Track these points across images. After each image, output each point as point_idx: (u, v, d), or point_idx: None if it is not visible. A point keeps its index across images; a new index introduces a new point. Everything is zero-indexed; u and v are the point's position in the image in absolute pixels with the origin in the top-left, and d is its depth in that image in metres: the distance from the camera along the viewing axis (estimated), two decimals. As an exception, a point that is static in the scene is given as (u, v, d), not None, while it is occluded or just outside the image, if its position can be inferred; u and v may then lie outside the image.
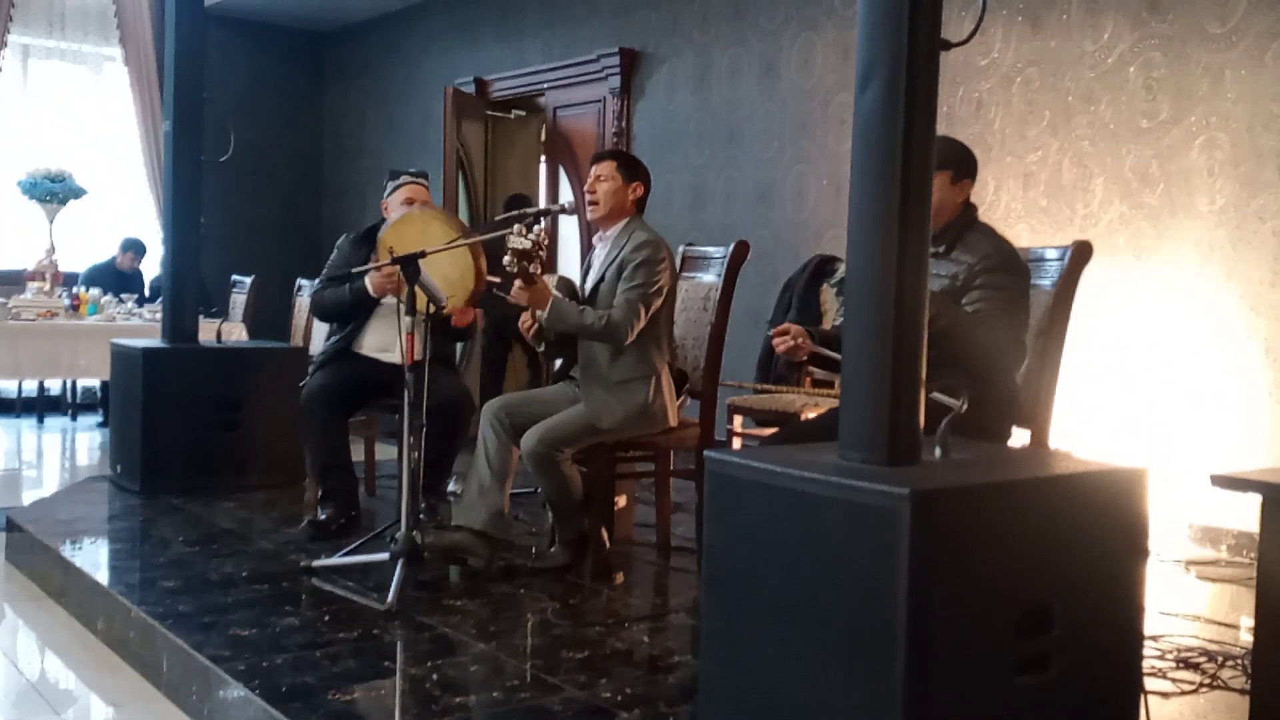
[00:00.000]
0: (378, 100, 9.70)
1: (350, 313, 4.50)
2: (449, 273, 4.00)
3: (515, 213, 4.05)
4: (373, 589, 3.53)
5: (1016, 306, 3.05)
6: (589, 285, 3.89)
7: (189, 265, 5.45)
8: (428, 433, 3.67)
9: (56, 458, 7.38)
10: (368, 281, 4.35)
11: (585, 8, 7.62)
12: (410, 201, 4.48)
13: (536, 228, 3.61)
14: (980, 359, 2.94)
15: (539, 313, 3.73)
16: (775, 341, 3.22)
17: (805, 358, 3.26)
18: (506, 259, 3.60)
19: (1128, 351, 4.77)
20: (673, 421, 3.89)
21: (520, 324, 3.93)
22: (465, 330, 4.45)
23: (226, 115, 6.20)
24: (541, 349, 4.05)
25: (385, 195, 4.57)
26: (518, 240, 3.59)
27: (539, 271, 3.63)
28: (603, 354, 3.77)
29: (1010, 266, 3.08)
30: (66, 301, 7.15)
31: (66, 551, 4.08)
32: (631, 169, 3.89)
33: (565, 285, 3.93)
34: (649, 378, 3.78)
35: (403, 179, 4.56)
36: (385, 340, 4.48)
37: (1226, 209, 4.53)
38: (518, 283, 3.65)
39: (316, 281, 4.72)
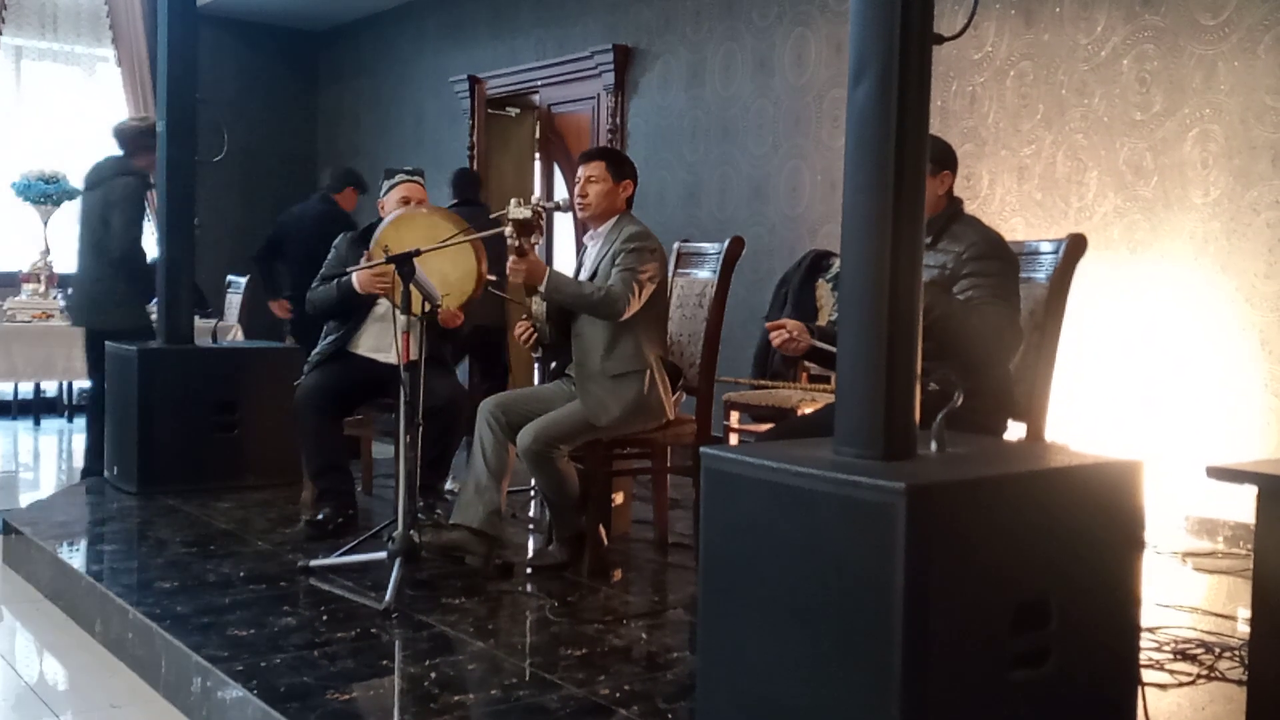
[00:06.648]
0: (371, 100, 9.68)
1: (338, 310, 4.45)
2: (449, 273, 3.96)
3: (512, 209, 4.04)
4: (370, 588, 3.53)
5: (1008, 291, 3.06)
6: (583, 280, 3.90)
7: (183, 266, 5.43)
8: (424, 434, 3.66)
9: (53, 459, 7.38)
10: (354, 278, 4.30)
11: (578, 5, 7.61)
12: (406, 200, 4.44)
13: (535, 197, 3.63)
14: (977, 346, 2.95)
15: (538, 288, 3.73)
16: (772, 336, 3.22)
17: (803, 352, 3.26)
18: (508, 230, 3.61)
19: (1123, 344, 4.77)
20: (669, 414, 3.89)
21: (515, 332, 3.93)
22: (454, 330, 4.42)
23: (219, 115, 6.18)
24: (538, 355, 4.05)
25: (381, 194, 4.53)
26: (517, 210, 3.60)
27: (537, 242, 3.66)
28: (596, 349, 3.77)
29: (997, 253, 3.09)
30: (61, 303, 7.14)
31: (63, 553, 4.08)
32: (620, 167, 3.88)
33: None
34: (643, 371, 3.78)
35: (398, 177, 4.51)
36: (381, 341, 4.44)
37: (1220, 201, 4.54)
38: (512, 258, 3.65)
39: (315, 281, 4.68)
